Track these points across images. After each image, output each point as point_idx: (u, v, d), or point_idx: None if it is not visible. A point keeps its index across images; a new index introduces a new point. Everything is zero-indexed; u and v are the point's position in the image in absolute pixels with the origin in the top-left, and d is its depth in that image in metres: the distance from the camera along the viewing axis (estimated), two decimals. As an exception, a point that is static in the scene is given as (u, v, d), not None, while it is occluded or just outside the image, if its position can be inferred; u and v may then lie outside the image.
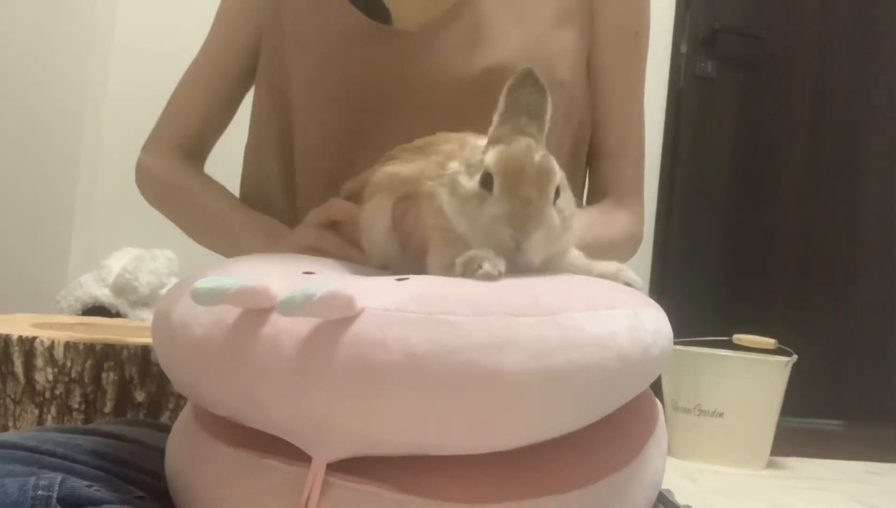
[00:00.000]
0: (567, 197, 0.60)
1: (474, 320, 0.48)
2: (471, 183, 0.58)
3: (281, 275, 0.58)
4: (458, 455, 0.50)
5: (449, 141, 0.66)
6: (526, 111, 0.60)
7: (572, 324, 0.50)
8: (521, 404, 0.48)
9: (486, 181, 0.57)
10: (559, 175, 0.58)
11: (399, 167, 0.69)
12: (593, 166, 0.92)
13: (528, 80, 0.60)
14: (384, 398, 0.47)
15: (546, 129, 0.61)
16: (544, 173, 0.57)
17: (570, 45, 0.85)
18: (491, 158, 0.58)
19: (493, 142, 0.59)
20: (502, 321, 0.48)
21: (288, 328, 0.49)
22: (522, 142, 0.58)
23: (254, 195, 0.96)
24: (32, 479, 0.53)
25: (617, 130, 0.91)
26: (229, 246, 0.92)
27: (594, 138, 0.91)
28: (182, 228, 1.02)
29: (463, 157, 0.61)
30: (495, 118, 0.61)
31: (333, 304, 0.48)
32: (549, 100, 0.61)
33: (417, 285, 0.53)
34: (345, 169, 0.78)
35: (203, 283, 0.50)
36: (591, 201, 0.93)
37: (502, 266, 0.55)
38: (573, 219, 0.61)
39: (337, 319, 0.49)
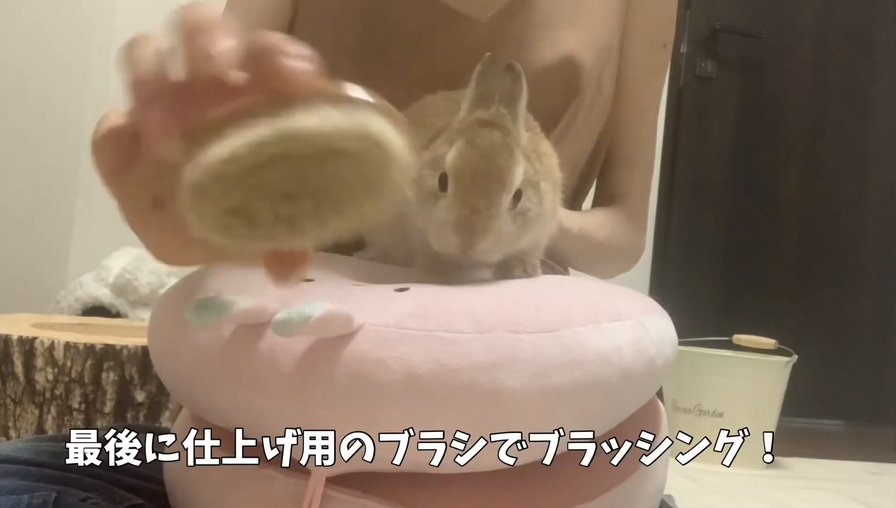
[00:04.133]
0: (534, 192, 0.58)
1: (475, 337, 0.47)
2: (433, 179, 0.57)
3: None
4: (458, 472, 0.49)
5: (440, 112, 0.64)
6: (498, 99, 0.58)
7: (575, 340, 0.49)
8: (521, 423, 0.47)
9: (443, 181, 0.56)
10: (518, 181, 0.56)
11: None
12: (603, 172, 0.92)
13: (496, 66, 0.58)
14: (384, 417, 0.46)
15: (521, 117, 0.59)
16: (497, 181, 0.55)
17: (614, 49, 0.86)
18: (449, 157, 0.56)
19: (459, 133, 0.57)
20: (503, 338, 0.47)
21: (285, 344, 0.49)
22: (486, 139, 0.56)
23: None
24: (26, 497, 0.53)
25: (633, 139, 0.91)
26: None
27: (609, 144, 0.91)
28: None
29: (439, 144, 0.59)
30: (464, 105, 0.59)
31: (331, 324, 0.47)
32: (525, 86, 0.59)
33: (417, 297, 0.52)
34: None
35: (198, 308, 0.49)
36: (596, 206, 0.92)
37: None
38: (542, 217, 0.59)
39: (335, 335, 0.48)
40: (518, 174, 0.57)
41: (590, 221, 0.83)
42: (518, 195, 0.57)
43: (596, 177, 0.92)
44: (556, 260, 0.74)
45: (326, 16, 0.83)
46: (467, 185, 0.55)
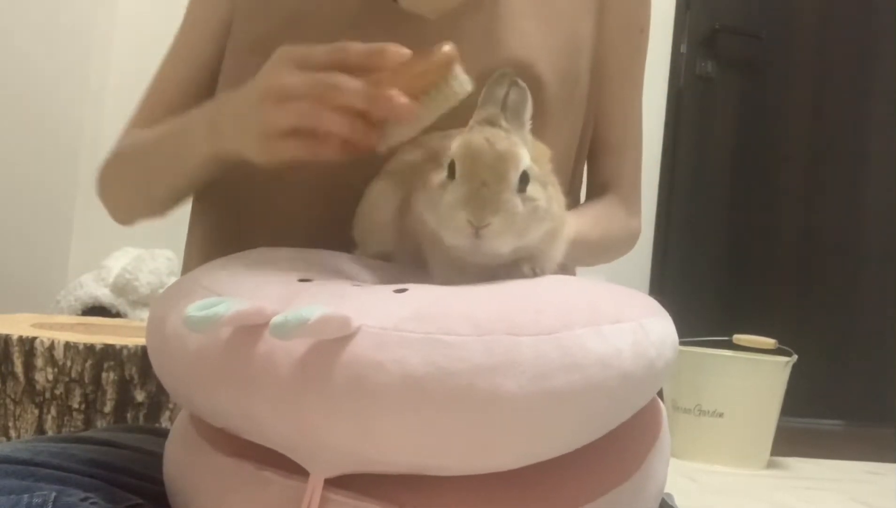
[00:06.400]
0: (541, 188, 0.59)
1: (474, 340, 0.47)
2: (441, 175, 0.58)
3: (276, 283, 0.56)
4: (457, 474, 0.49)
5: (447, 137, 0.66)
6: (503, 106, 0.60)
7: (574, 343, 0.49)
8: (520, 426, 0.47)
9: (451, 169, 0.57)
10: (524, 163, 0.57)
11: (412, 156, 0.69)
12: (593, 161, 0.92)
13: (506, 79, 0.61)
14: (381, 420, 0.46)
15: (527, 127, 0.60)
16: (504, 159, 0.56)
17: (586, 39, 0.85)
18: (454, 144, 0.58)
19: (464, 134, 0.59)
20: (502, 341, 0.47)
21: (282, 346, 0.49)
22: (488, 130, 0.58)
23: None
24: (25, 497, 0.53)
25: (619, 126, 0.91)
26: (178, 160, 0.75)
27: (595, 133, 0.91)
28: (138, 192, 0.82)
29: (445, 148, 0.60)
30: (475, 114, 0.61)
31: (328, 327, 0.47)
32: (530, 99, 0.60)
33: (416, 299, 0.52)
34: (340, 176, 0.71)
35: (195, 311, 0.49)
36: (590, 196, 0.92)
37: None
38: (550, 212, 0.59)
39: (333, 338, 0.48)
40: (523, 155, 0.57)
41: (586, 221, 0.83)
42: (525, 179, 0.57)
43: (584, 167, 0.92)
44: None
45: (259, 22, 0.82)
46: (473, 163, 0.56)
